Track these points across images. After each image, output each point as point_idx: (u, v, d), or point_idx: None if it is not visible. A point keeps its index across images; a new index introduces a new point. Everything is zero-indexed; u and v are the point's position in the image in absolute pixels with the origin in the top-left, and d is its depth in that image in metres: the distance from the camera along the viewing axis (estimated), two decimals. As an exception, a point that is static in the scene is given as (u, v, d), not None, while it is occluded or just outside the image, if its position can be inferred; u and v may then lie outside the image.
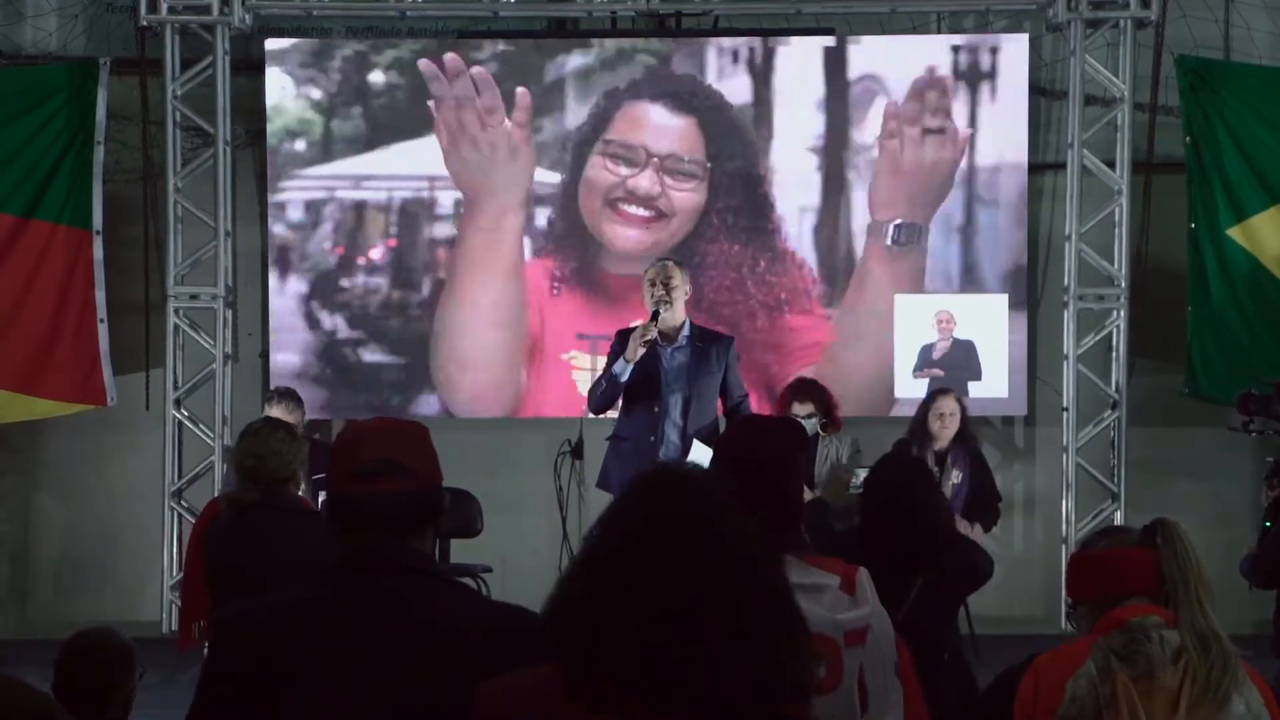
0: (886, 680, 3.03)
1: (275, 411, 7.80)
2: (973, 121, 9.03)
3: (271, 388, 8.69)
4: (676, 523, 1.85)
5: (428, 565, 2.59)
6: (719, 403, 7.01)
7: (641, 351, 6.76)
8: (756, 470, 3.07)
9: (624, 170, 9.00)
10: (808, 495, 6.44)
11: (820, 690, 2.92)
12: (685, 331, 6.95)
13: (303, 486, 5.06)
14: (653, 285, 6.90)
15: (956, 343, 9.06)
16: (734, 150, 9.03)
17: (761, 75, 9.04)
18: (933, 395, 8.15)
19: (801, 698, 1.83)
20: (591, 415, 7.31)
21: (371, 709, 2.40)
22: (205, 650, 2.60)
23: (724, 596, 1.79)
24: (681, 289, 6.92)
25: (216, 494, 8.12)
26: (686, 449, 6.76)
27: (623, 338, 6.95)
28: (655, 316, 6.81)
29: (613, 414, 7.13)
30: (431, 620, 2.45)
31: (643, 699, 1.76)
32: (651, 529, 1.85)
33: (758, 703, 1.78)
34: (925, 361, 9.05)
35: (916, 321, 9.05)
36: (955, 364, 9.04)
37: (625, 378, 6.82)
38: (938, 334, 9.06)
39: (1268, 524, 6.08)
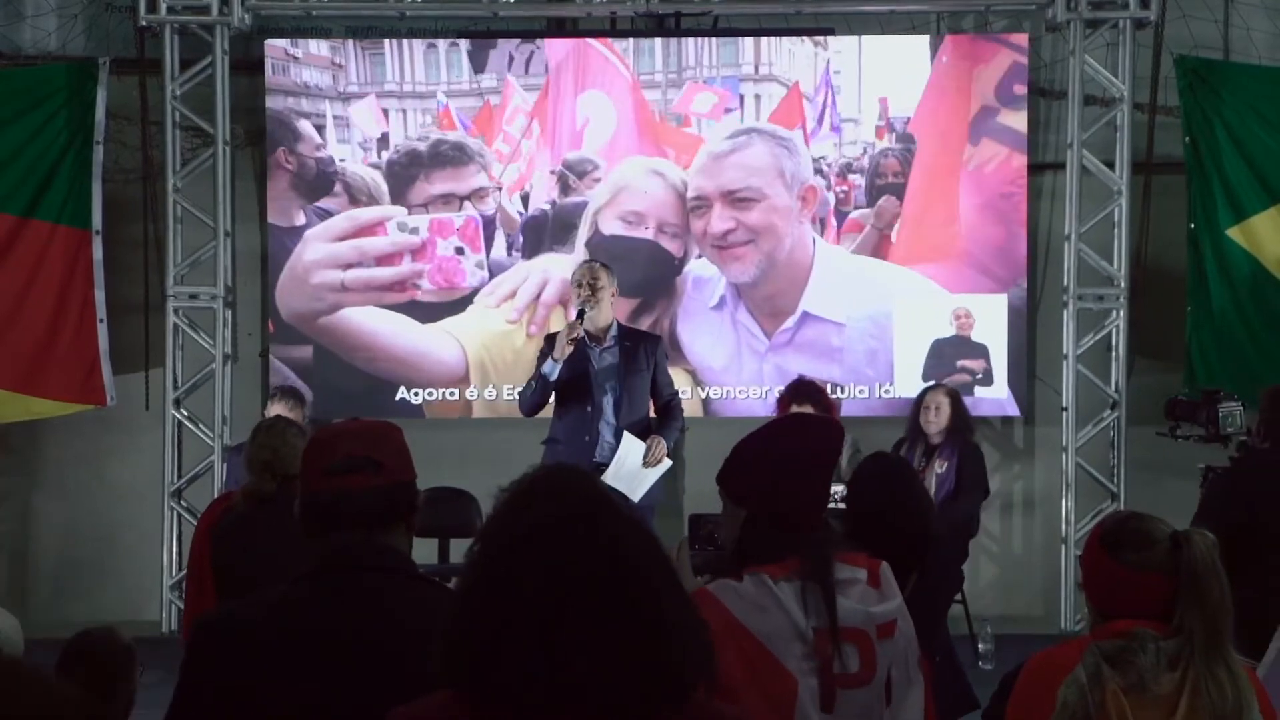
0: (910, 673, 3.03)
1: (277, 408, 7.81)
2: (973, 121, 9.04)
3: (274, 386, 8.71)
4: (559, 529, 1.82)
5: (405, 564, 2.58)
6: (650, 401, 7.14)
7: (569, 350, 6.86)
8: (813, 466, 3.08)
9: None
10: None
11: (857, 683, 2.92)
12: (613, 331, 7.09)
13: None
14: (579, 286, 7.03)
15: (973, 344, 9.06)
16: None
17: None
18: (923, 391, 8.23)
19: (692, 690, 1.82)
20: (523, 417, 7.33)
21: (349, 709, 2.39)
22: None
23: (613, 599, 1.77)
24: (608, 289, 7.03)
25: (218, 493, 8.14)
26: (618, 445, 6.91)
27: (550, 341, 7.08)
28: (581, 316, 6.93)
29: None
30: (410, 620, 2.45)
31: (546, 708, 1.76)
32: (534, 537, 1.82)
33: (657, 702, 1.78)
34: (946, 366, 9.04)
35: (918, 321, 9.05)
36: (972, 368, 9.06)
37: (555, 377, 6.93)
38: (955, 330, 9.06)
39: None
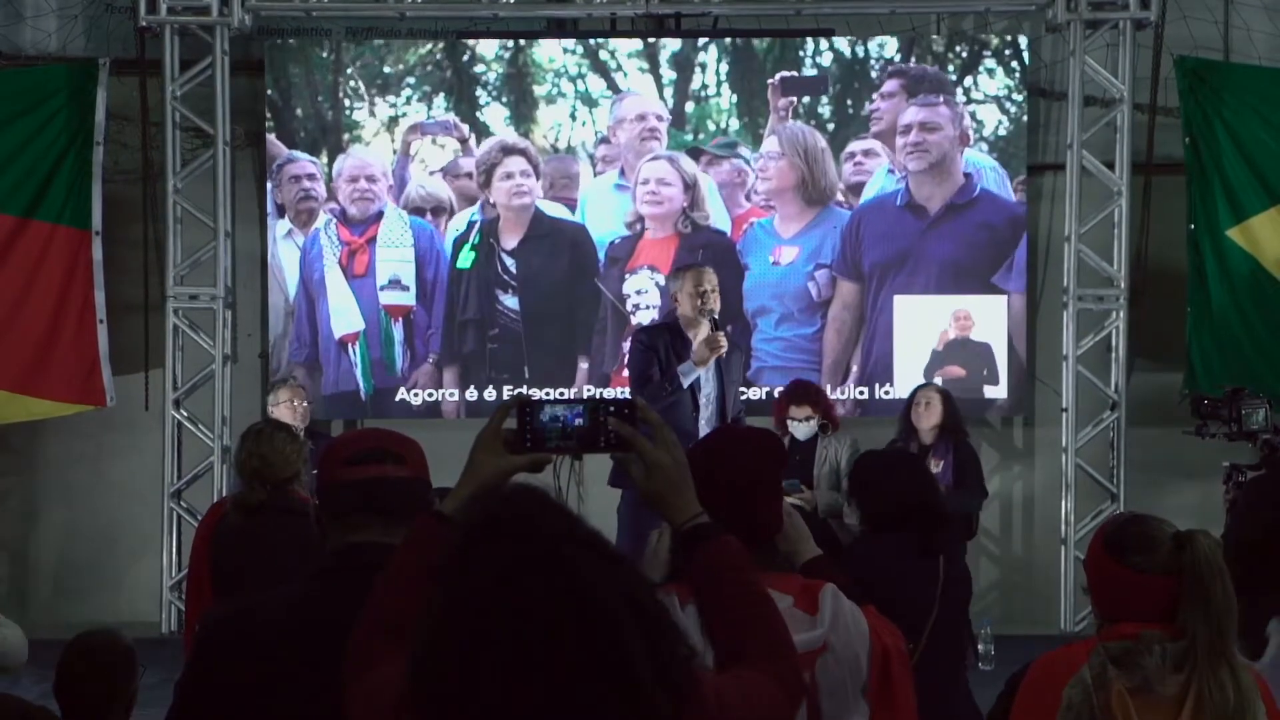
0: (849, 702, 2.94)
1: (285, 394, 7.78)
2: (972, 121, 9.04)
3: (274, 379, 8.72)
4: (523, 569, 1.75)
5: None
6: None
7: (711, 359, 6.75)
8: (725, 482, 2.91)
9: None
10: (798, 501, 6.46)
11: None
12: None
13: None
14: (700, 291, 6.83)
15: (970, 343, 9.06)
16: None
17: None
18: (915, 389, 8.14)
19: (680, 697, 1.78)
20: None
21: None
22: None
23: (577, 643, 1.72)
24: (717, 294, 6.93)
25: (217, 495, 8.14)
26: None
27: (650, 334, 6.92)
28: (716, 324, 6.79)
29: None
30: None
31: None
32: (498, 577, 1.75)
33: None
34: (942, 360, 9.04)
35: (917, 321, 9.05)
36: (972, 364, 9.05)
37: (688, 384, 6.79)
38: (955, 332, 9.06)
39: None
